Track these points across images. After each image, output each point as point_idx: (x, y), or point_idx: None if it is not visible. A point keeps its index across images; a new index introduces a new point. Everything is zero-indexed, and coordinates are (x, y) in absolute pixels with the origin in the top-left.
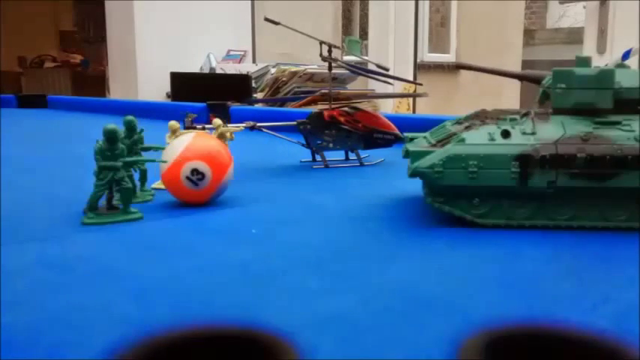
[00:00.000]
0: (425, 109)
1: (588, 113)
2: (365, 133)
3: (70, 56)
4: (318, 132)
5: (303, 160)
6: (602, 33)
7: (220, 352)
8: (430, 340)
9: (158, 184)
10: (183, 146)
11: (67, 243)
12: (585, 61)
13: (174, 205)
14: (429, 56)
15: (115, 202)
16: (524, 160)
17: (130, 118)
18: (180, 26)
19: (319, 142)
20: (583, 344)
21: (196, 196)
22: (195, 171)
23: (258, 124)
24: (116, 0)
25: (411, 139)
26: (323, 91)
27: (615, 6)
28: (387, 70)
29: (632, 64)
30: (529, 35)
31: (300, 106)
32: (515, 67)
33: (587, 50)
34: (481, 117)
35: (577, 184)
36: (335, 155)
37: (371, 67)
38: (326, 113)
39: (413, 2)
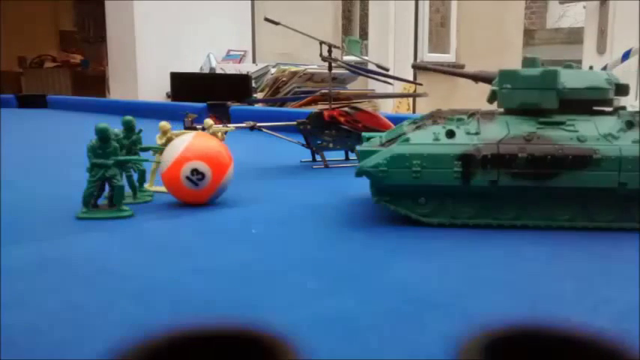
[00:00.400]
0: (425, 109)
1: (534, 113)
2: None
3: (70, 56)
4: (318, 132)
5: (303, 160)
6: (602, 33)
7: (220, 352)
8: (430, 340)
9: (147, 185)
10: (184, 146)
11: (66, 243)
12: (532, 62)
13: (174, 205)
14: (428, 56)
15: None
16: (467, 159)
17: (128, 118)
18: (180, 26)
19: (319, 142)
20: (583, 344)
21: (196, 196)
22: (195, 171)
23: (258, 124)
24: (116, 0)
25: (368, 139)
26: (323, 91)
27: (615, 6)
28: (387, 70)
29: (632, 64)
30: (529, 35)
31: (300, 106)
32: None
33: (587, 50)
34: (435, 117)
35: (519, 183)
36: (335, 155)
37: (371, 67)
38: (326, 113)
39: (413, 2)
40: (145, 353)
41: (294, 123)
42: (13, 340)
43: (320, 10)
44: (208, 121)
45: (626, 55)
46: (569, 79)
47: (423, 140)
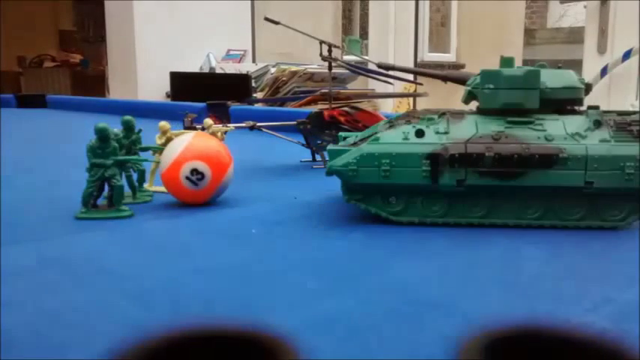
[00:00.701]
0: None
1: (514, 113)
2: None
3: (70, 56)
4: (318, 132)
5: (303, 160)
6: (602, 33)
7: (220, 353)
8: (430, 340)
9: (147, 185)
10: (183, 146)
11: (66, 243)
12: (509, 62)
13: (174, 205)
14: (429, 56)
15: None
16: (435, 158)
17: (127, 118)
18: (180, 26)
19: (319, 142)
20: (583, 344)
21: (196, 196)
22: (194, 171)
23: (258, 124)
24: (116, 0)
25: (344, 138)
26: (323, 90)
27: (616, 6)
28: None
29: (632, 64)
30: (530, 35)
31: (300, 105)
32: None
33: (587, 50)
34: (409, 117)
35: (486, 182)
36: None
37: (371, 66)
38: (326, 113)
39: (413, 2)
40: (145, 353)
41: (294, 123)
42: (13, 340)
43: (320, 9)
44: (208, 121)
45: (626, 55)
46: (548, 79)
47: (393, 140)
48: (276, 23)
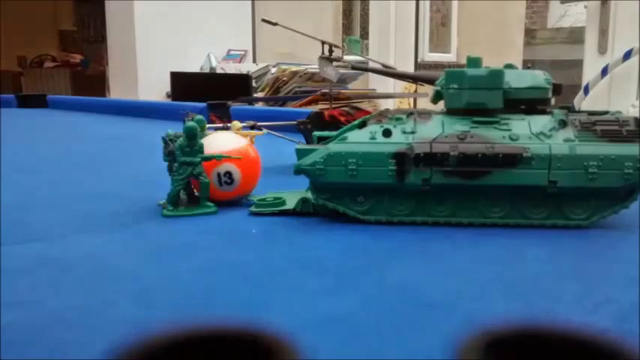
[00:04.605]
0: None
1: (480, 113)
2: None
3: (70, 56)
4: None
5: None
6: (603, 33)
7: (220, 352)
8: (430, 340)
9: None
10: (230, 148)
11: (67, 243)
12: (476, 62)
13: None
14: (429, 56)
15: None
16: (400, 158)
17: (199, 117)
18: (180, 26)
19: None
20: (583, 344)
21: (217, 194)
22: (228, 173)
23: (259, 124)
24: (116, 0)
25: (320, 137)
26: (323, 90)
27: (616, 6)
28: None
29: (633, 64)
30: (530, 35)
31: (301, 105)
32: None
33: (588, 50)
34: (380, 116)
35: (451, 181)
36: None
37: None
38: (326, 113)
39: (413, 2)
40: (145, 353)
41: (295, 123)
42: (13, 340)
43: (320, 9)
44: (236, 124)
45: (627, 55)
46: (512, 79)
47: (359, 139)
48: (274, 24)
